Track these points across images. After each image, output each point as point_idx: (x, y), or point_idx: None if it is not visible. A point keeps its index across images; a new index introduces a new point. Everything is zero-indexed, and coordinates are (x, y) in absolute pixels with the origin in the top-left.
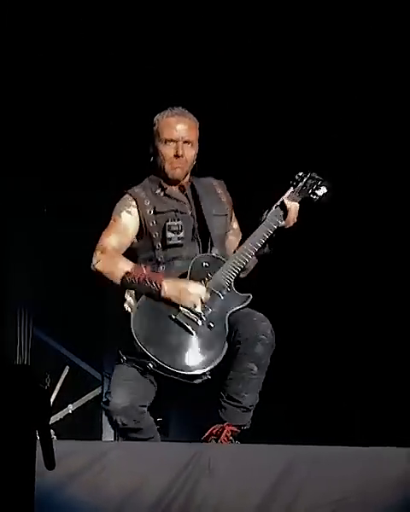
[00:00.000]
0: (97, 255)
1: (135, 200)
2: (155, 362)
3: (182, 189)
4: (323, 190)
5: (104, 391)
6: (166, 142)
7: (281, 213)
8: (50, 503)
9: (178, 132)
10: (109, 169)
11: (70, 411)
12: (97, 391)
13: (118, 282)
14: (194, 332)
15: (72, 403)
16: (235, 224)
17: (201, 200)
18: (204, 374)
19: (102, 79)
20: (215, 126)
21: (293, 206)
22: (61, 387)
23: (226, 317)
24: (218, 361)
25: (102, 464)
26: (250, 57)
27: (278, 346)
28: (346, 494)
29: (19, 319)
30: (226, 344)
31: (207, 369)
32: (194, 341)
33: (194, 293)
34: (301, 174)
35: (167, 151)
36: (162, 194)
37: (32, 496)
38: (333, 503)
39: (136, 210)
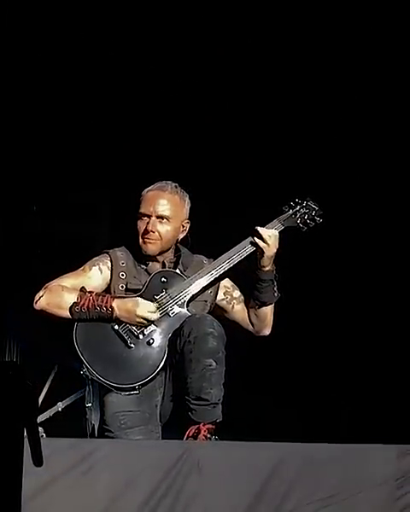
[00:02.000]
0: (39, 293)
1: (111, 262)
2: (87, 368)
3: (163, 266)
4: (314, 221)
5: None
6: (140, 217)
7: (254, 240)
8: (38, 501)
9: (153, 207)
10: (106, 168)
11: (59, 409)
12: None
13: (67, 314)
14: (132, 346)
15: (61, 401)
16: (235, 293)
17: None
18: (133, 388)
19: (103, 78)
20: (215, 126)
21: (267, 235)
22: (50, 386)
23: (169, 336)
24: (148, 378)
25: (90, 462)
26: (250, 59)
27: (268, 343)
28: (335, 491)
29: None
30: (162, 363)
31: (137, 384)
32: (130, 355)
33: (143, 314)
34: (297, 200)
35: (140, 225)
36: (143, 266)
37: (19, 493)
38: (323, 500)
39: (108, 272)
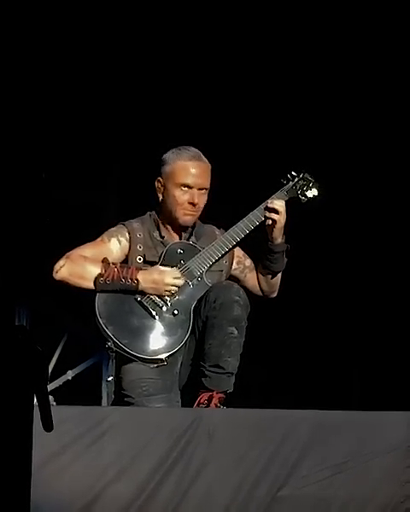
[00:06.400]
0: (60, 263)
1: (129, 234)
2: (114, 341)
3: (180, 236)
4: (313, 192)
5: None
6: (181, 187)
7: (267, 212)
8: (48, 469)
9: (196, 179)
10: (114, 137)
11: (69, 378)
12: (97, 358)
13: (89, 285)
14: (157, 317)
15: (71, 369)
16: (247, 262)
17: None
18: (161, 359)
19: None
20: (215, 124)
21: (277, 204)
22: (59, 354)
23: (192, 306)
24: (176, 349)
25: (100, 430)
26: (249, 57)
27: (276, 310)
28: (347, 457)
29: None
30: (188, 333)
31: (165, 355)
32: (155, 326)
33: (171, 281)
34: (293, 173)
35: (183, 197)
36: (159, 238)
37: (29, 459)
38: (335, 466)
39: (127, 244)
